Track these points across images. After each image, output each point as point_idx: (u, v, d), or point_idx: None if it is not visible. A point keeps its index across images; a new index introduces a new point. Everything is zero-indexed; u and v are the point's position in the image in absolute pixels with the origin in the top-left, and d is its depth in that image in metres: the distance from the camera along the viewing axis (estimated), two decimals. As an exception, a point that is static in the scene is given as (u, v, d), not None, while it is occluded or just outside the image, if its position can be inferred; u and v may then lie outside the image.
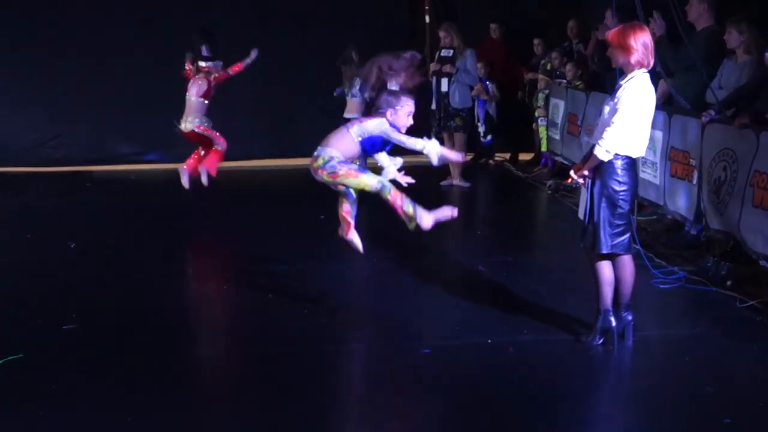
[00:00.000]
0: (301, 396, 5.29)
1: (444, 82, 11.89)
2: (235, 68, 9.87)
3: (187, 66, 9.98)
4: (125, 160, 13.94)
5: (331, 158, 6.12)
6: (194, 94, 9.59)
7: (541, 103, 12.70)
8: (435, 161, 6.12)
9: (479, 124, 13.42)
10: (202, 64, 9.62)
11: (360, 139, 6.17)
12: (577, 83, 11.69)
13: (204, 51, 9.69)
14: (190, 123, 9.62)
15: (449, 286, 7.32)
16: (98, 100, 13.67)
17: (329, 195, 6.62)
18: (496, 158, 13.99)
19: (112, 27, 13.60)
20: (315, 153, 6.20)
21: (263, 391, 5.33)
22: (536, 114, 12.86)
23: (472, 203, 11.70)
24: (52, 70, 13.63)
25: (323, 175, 6.14)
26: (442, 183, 12.02)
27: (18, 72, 13.61)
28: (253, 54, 9.97)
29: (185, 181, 9.85)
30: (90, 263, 8.22)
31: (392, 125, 6.15)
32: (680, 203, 8.17)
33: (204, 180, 9.60)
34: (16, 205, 11.21)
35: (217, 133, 9.77)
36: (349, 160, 6.18)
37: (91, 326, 6.43)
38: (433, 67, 12.07)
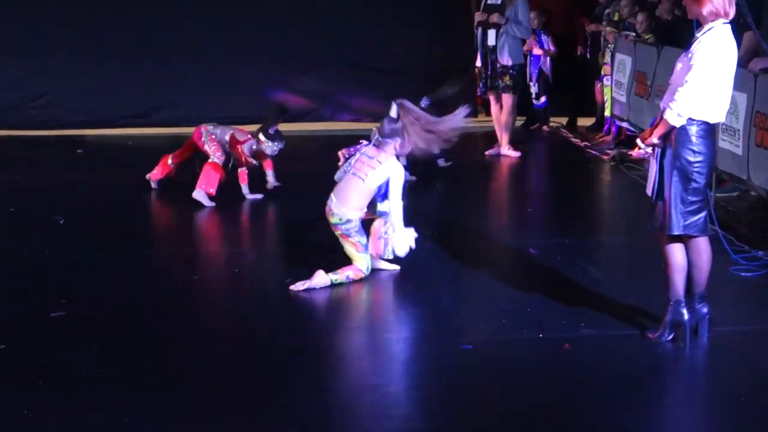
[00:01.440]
0: (324, 393, 5.34)
1: (491, 34, 11.82)
2: (243, 175, 9.77)
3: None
4: (122, 123, 14.03)
5: (349, 221, 6.96)
6: (244, 143, 9.66)
7: (608, 59, 12.63)
8: (395, 251, 7.00)
9: (532, 83, 13.38)
10: (262, 138, 9.67)
11: (377, 190, 6.97)
12: (648, 36, 11.61)
13: (271, 130, 9.69)
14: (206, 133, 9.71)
15: (496, 272, 7.33)
16: (91, 53, 13.75)
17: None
18: (551, 124, 13.94)
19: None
20: (329, 204, 7.03)
21: (278, 386, 5.38)
22: (603, 72, 12.79)
23: (522, 176, 11.70)
24: (35, 17, 13.72)
25: (336, 232, 7.03)
26: (488, 152, 12.01)
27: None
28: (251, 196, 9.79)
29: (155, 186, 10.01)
30: (81, 242, 8.30)
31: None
32: (767, 178, 8.12)
33: (205, 202, 9.42)
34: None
35: (217, 146, 9.68)
36: (361, 220, 7.04)
37: (81, 313, 6.51)
38: (478, 17, 12.01)
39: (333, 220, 6.99)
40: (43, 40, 13.69)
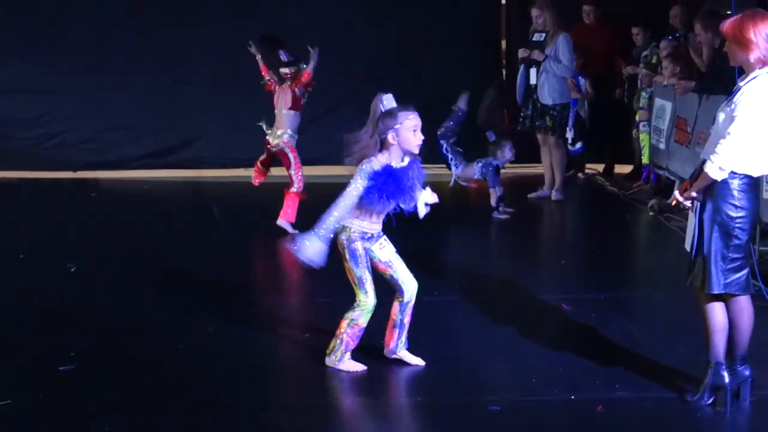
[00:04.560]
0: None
1: (533, 72, 11.98)
2: (305, 76, 10.34)
3: (266, 76, 10.52)
4: (138, 165, 14.14)
5: (344, 229, 6.30)
6: (284, 106, 10.27)
7: (643, 103, 12.64)
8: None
9: (568, 128, 13.38)
10: (284, 70, 10.34)
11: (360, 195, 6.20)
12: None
13: (283, 56, 10.32)
14: (279, 138, 10.29)
15: (526, 328, 7.30)
16: (107, 92, 13.89)
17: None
18: (586, 170, 13.95)
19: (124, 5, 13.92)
20: None
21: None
22: (637, 117, 12.80)
23: (555, 225, 11.68)
24: (52, 54, 13.86)
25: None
26: (532, 195, 12.16)
27: (10, 53, 13.87)
28: (314, 54, 10.32)
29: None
30: (93, 290, 8.35)
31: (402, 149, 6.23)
32: (814, 231, 8.09)
33: (290, 230, 10.19)
34: (6, 219, 11.42)
35: (298, 163, 10.34)
36: (366, 234, 6.32)
37: (92, 367, 6.53)
38: (521, 53, 12.13)
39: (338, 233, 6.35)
40: (58, 76, 13.83)
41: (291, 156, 10.28)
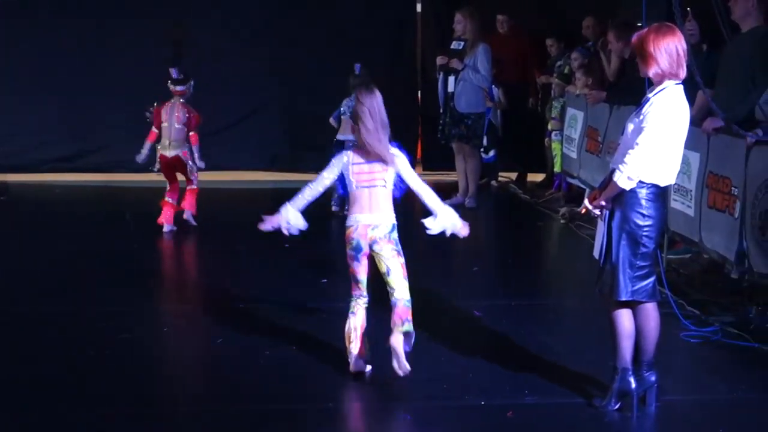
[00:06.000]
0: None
1: (451, 80, 12.05)
2: (193, 137, 10.56)
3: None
4: (48, 169, 13.98)
5: (395, 227, 6.41)
6: (175, 121, 10.43)
7: (555, 113, 12.80)
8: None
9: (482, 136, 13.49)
10: (176, 88, 10.48)
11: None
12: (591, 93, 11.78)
13: (173, 73, 10.46)
14: (174, 149, 10.42)
15: (437, 334, 7.35)
16: (17, 96, 13.74)
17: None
18: (499, 178, 14.08)
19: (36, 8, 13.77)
20: (365, 220, 6.34)
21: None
22: (549, 127, 12.96)
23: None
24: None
25: (384, 249, 6.36)
26: (447, 202, 12.15)
27: None
28: (200, 163, 10.63)
29: (168, 228, 10.58)
30: (1, 298, 8.25)
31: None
32: (719, 240, 8.22)
33: (192, 221, 10.72)
34: None
35: (194, 165, 10.59)
36: None
37: (3, 375, 6.48)
38: (439, 60, 12.20)
39: (379, 233, 6.35)
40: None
41: (189, 162, 10.49)
